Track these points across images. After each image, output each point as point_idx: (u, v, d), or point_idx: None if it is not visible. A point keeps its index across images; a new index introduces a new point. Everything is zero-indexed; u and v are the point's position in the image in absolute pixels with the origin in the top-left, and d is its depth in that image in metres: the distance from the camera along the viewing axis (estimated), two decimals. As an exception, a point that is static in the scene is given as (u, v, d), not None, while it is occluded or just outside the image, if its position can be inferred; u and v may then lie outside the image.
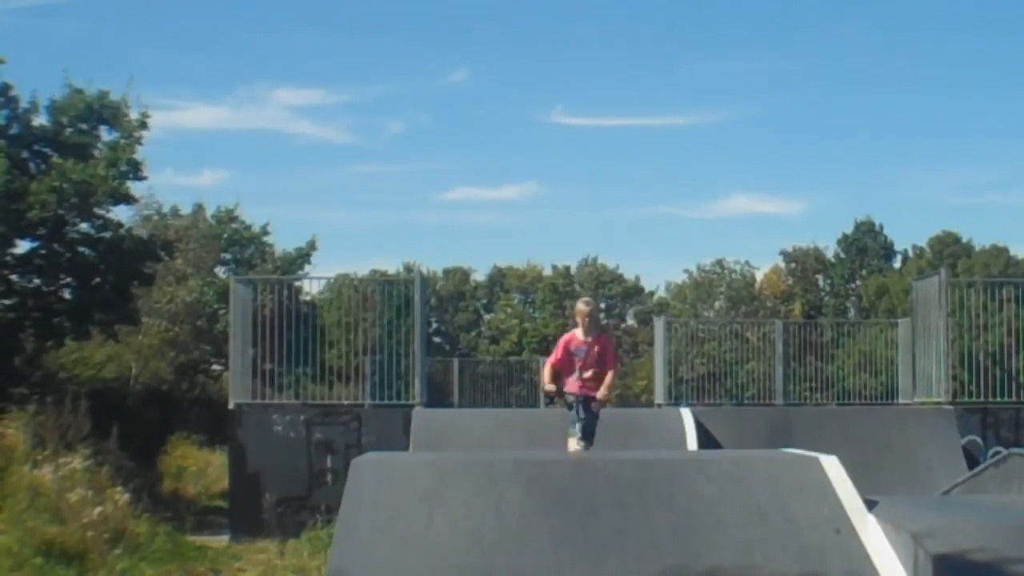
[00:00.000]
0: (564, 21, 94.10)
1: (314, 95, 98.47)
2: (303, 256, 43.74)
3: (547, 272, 74.12)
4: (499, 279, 75.96)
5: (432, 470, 11.68)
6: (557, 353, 15.01)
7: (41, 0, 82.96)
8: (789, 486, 11.44)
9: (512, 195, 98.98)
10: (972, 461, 20.17)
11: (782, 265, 71.53)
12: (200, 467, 29.78)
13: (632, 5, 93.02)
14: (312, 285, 40.76)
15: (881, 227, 70.47)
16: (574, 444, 14.74)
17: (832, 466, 11.67)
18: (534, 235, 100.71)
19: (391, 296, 24.54)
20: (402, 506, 10.95)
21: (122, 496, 17.85)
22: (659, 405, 26.41)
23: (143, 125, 25.32)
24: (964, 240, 64.74)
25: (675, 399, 26.68)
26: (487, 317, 75.06)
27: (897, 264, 68.73)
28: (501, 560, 10.42)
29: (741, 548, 10.54)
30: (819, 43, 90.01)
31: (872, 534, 10.74)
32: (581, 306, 15.31)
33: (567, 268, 73.70)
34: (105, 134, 25.56)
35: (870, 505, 11.14)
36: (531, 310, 73.20)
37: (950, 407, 21.80)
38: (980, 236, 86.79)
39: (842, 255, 70.71)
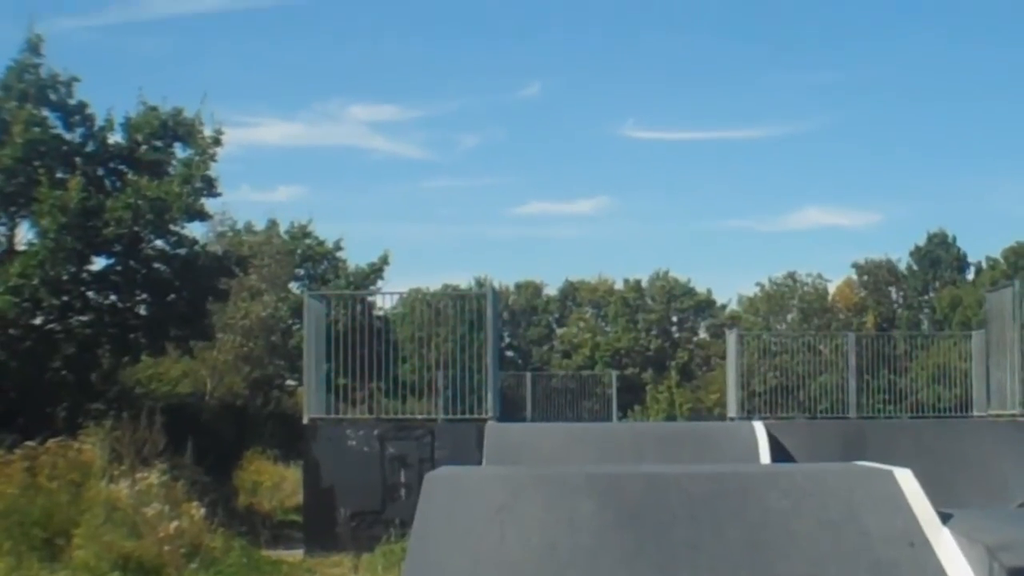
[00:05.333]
0: (636, 33, 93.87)
1: (389, 111, 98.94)
2: (376, 271, 43.76)
3: (619, 286, 74.04)
4: (571, 293, 75.94)
5: (505, 485, 11.72)
6: None
7: (116, 18, 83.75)
8: (863, 499, 11.40)
9: (584, 209, 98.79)
10: (1048, 474, 20.02)
11: (854, 277, 71.26)
12: (275, 481, 29.93)
13: (704, 17, 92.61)
14: (385, 300, 40.75)
15: (954, 238, 70.12)
16: None
17: (906, 479, 11.62)
18: (606, 249, 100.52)
19: (464, 311, 24.55)
20: (475, 521, 11.00)
21: (198, 510, 18.02)
22: (731, 419, 26.30)
23: (217, 142, 25.42)
24: (1038, 251, 64.09)
25: (748, 412, 26.60)
26: (559, 331, 75.03)
27: (971, 276, 68.17)
28: (574, 575, 10.45)
29: (814, 562, 10.52)
30: (893, 54, 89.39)
31: (946, 547, 10.69)
32: None
33: (638, 282, 73.55)
34: (179, 151, 25.72)
35: (944, 518, 11.09)
36: (603, 324, 73.12)
37: (1025, 419, 21.62)
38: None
39: (915, 267, 70.28)
